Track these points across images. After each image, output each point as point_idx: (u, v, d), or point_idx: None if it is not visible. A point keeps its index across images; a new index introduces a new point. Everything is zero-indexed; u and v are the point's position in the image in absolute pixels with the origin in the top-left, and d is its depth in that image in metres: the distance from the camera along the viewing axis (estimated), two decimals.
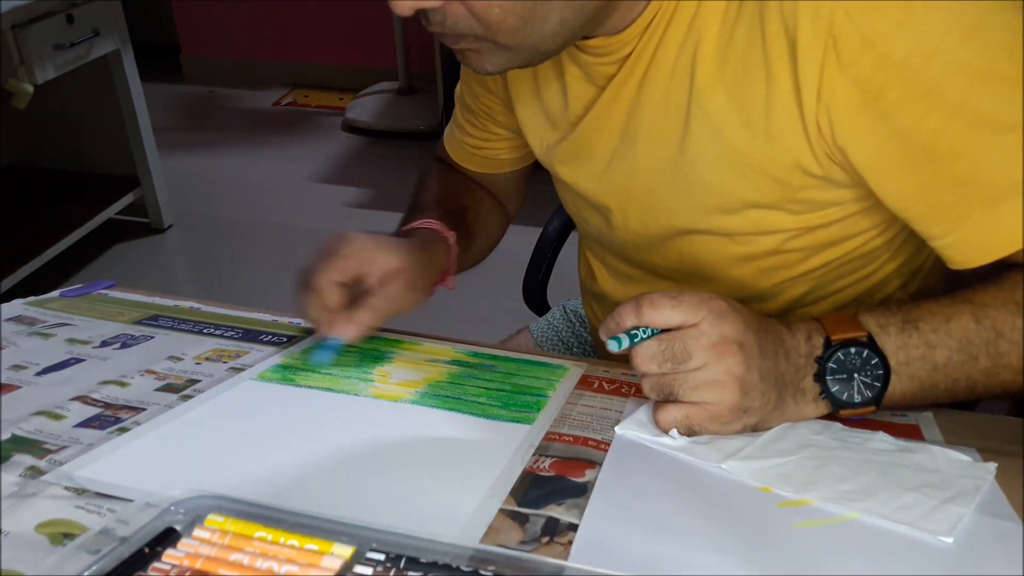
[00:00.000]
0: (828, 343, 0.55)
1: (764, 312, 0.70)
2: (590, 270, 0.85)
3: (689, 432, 0.54)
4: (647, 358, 0.53)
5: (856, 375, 0.55)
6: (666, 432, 0.54)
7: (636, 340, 0.53)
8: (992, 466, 0.52)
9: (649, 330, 0.53)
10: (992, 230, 0.56)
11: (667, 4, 0.60)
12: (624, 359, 0.56)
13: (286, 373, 0.64)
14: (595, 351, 0.99)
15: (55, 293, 0.82)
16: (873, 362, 0.55)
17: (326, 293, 0.65)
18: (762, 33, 0.56)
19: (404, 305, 0.68)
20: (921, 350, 0.55)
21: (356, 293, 0.67)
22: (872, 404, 0.55)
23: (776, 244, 0.66)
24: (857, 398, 0.55)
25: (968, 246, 0.57)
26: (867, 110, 0.55)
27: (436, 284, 0.77)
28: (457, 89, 0.87)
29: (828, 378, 0.55)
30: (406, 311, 0.69)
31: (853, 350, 0.55)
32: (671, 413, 0.54)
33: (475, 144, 0.88)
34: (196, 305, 0.79)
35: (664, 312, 0.53)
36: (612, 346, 0.53)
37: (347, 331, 0.65)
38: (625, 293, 0.80)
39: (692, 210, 0.66)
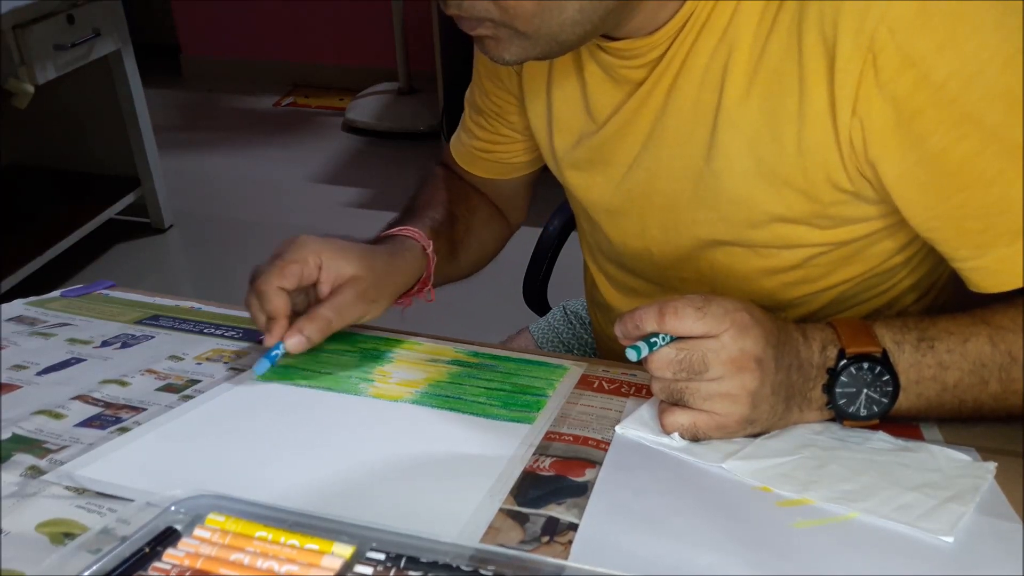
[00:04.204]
0: (842, 355, 0.55)
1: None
2: (593, 280, 0.84)
3: (693, 438, 0.54)
4: (663, 364, 0.53)
5: (865, 390, 0.55)
6: (669, 434, 0.54)
7: (655, 348, 0.53)
8: (992, 465, 0.52)
9: (668, 336, 0.53)
10: (1016, 261, 0.55)
11: (701, 10, 0.59)
12: (626, 359, 0.55)
13: (286, 373, 0.64)
14: (596, 352, 0.99)
15: (56, 293, 0.82)
16: (884, 379, 0.54)
17: (269, 299, 0.62)
18: (799, 46, 0.55)
19: (356, 315, 0.65)
20: (933, 370, 0.55)
21: (310, 299, 0.65)
22: (876, 418, 0.55)
23: (801, 259, 0.66)
24: (863, 412, 0.55)
25: (991, 273, 0.57)
26: (901, 130, 0.54)
27: (412, 294, 0.74)
28: (467, 92, 0.86)
29: (837, 390, 0.55)
30: (361, 321, 0.67)
31: (866, 365, 0.54)
32: (678, 418, 0.54)
33: (483, 147, 0.86)
34: (196, 305, 0.79)
35: (687, 323, 0.52)
36: (631, 355, 0.52)
37: (289, 341, 0.62)
38: (630, 305, 0.78)
39: (717, 221, 0.65)
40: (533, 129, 0.77)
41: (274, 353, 0.62)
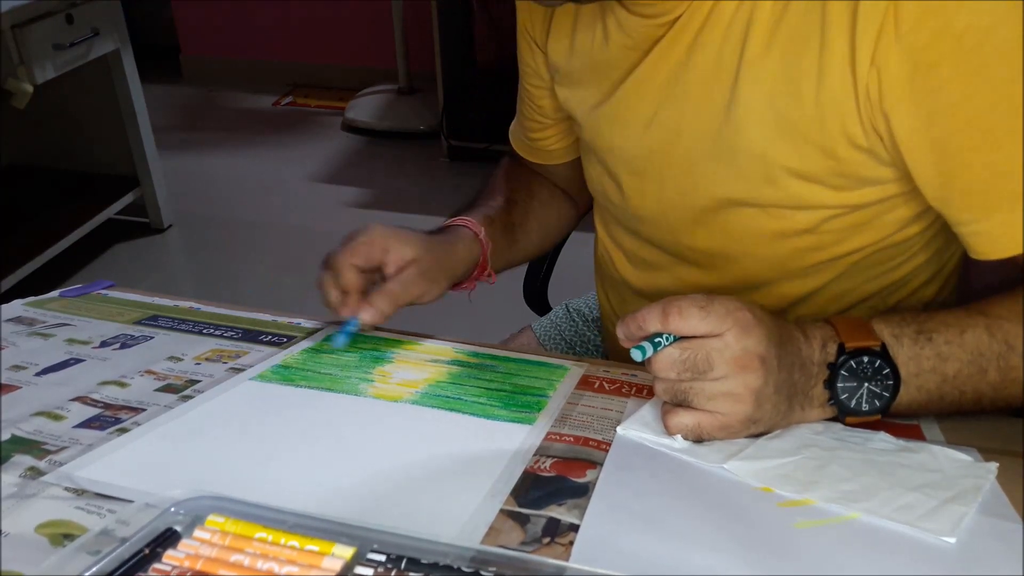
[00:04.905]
0: (841, 350, 0.55)
1: (788, 296, 0.70)
2: (608, 256, 0.85)
3: (697, 439, 0.54)
4: (667, 365, 0.53)
5: (866, 384, 0.55)
6: (673, 436, 0.54)
7: (659, 348, 0.53)
8: (993, 465, 0.52)
9: (671, 336, 0.53)
10: (1015, 227, 0.56)
11: None
12: (628, 359, 0.55)
13: (285, 373, 0.64)
14: (599, 350, 0.99)
15: (55, 293, 0.82)
16: (884, 372, 0.54)
17: (344, 275, 0.69)
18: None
19: (419, 293, 0.71)
20: (932, 362, 0.55)
21: (375, 280, 0.71)
22: (878, 413, 0.55)
23: (814, 222, 0.66)
24: (865, 406, 0.55)
25: (991, 238, 0.58)
26: (917, 82, 0.55)
27: (474, 279, 0.81)
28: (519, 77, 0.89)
29: (839, 385, 0.55)
30: (423, 300, 0.72)
31: (866, 359, 0.54)
32: (682, 419, 0.54)
33: (528, 136, 0.90)
34: (196, 305, 0.79)
35: (691, 322, 0.52)
36: (636, 355, 0.52)
37: (364, 314, 0.68)
38: (644, 280, 0.80)
39: (734, 178, 0.66)
40: (562, 101, 0.79)
41: (350, 328, 0.68)
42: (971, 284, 0.74)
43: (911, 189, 0.62)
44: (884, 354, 0.55)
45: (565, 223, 0.97)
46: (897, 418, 0.58)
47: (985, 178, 0.56)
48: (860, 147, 0.60)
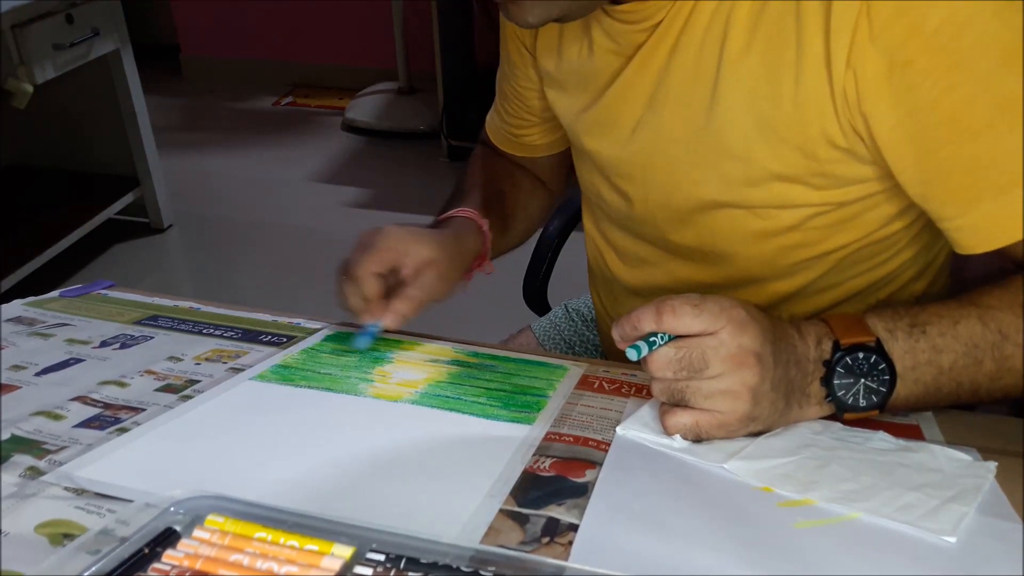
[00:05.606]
0: (836, 347, 0.55)
1: (778, 293, 0.70)
2: (599, 254, 0.85)
3: (696, 438, 0.54)
4: (663, 364, 0.53)
5: (863, 380, 0.55)
6: (672, 436, 0.54)
7: (654, 347, 0.53)
8: (993, 465, 0.52)
9: (666, 336, 0.53)
10: (1000, 218, 0.56)
11: None
12: (625, 359, 0.55)
13: (285, 373, 0.64)
14: (598, 350, 0.99)
15: (55, 293, 0.82)
16: (880, 367, 0.54)
17: (365, 283, 0.69)
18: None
19: (438, 294, 0.72)
20: (928, 355, 0.55)
21: (391, 283, 0.71)
22: (876, 408, 0.55)
23: (798, 220, 0.66)
24: (862, 402, 0.55)
25: (976, 231, 0.58)
26: (894, 80, 0.55)
27: (473, 270, 0.81)
28: (497, 74, 0.90)
29: (835, 382, 0.55)
30: (440, 299, 0.73)
31: (861, 355, 0.54)
32: (680, 419, 0.54)
33: (511, 132, 0.90)
34: (195, 305, 0.79)
35: (685, 320, 0.52)
36: (631, 355, 0.53)
37: (387, 319, 0.69)
38: (637, 277, 0.80)
39: (716, 181, 0.66)
40: (552, 105, 0.79)
41: (373, 330, 0.69)
42: (962, 278, 0.74)
43: (893, 186, 0.62)
44: (879, 349, 0.55)
45: (545, 213, 0.99)
46: (896, 413, 0.58)
47: (966, 172, 0.56)
48: (839, 147, 0.60)
